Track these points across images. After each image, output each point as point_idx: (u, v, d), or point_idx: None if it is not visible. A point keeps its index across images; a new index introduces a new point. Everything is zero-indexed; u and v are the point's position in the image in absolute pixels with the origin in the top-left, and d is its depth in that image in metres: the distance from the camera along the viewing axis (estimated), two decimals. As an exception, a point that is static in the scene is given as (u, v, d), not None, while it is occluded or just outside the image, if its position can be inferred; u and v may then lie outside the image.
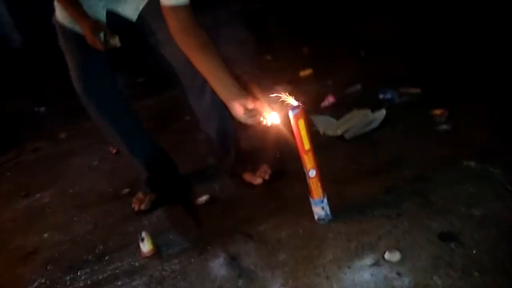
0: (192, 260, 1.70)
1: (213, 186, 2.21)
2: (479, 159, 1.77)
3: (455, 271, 1.29)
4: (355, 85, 3.02)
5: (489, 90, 2.34)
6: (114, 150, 2.99)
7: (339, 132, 2.37)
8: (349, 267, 1.42)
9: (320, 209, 1.65)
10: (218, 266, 1.62)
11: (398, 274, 1.34)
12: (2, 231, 2.52)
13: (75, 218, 2.37)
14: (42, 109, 5.06)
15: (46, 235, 2.30)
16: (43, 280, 1.89)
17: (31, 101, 5.49)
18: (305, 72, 3.70)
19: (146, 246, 1.80)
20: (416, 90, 2.64)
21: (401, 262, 1.38)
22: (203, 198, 2.10)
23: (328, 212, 1.66)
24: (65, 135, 3.86)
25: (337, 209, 1.69)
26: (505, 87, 2.30)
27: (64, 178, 2.97)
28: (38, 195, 2.84)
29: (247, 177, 2.03)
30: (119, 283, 1.71)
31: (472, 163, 1.76)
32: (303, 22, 4.83)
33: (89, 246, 2.05)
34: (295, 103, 1.50)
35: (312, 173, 1.59)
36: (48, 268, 1.98)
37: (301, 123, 1.54)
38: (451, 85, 2.57)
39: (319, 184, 1.61)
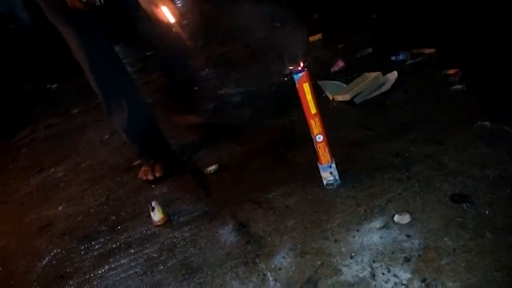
0: (202, 227, 1.71)
1: (222, 155, 2.20)
2: (494, 119, 1.70)
3: (467, 232, 1.26)
4: (366, 49, 2.93)
5: (504, 49, 2.22)
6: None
7: (348, 97, 2.31)
8: (357, 230, 1.40)
9: (328, 174, 1.62)
10: (227, 233, 1.63)
11: (408, 236, 1.32)
12: (19, 205, 2.59)
13: (88, 191, 2.41)
14: (54, 86, 5.11)
15: (60, 207, 2.34)
16: (59, 250, 1.94)
17: (43, 79, 5.55)
18: (314, 37, 3.59)
19: (157, 215, 1.82)
20: (430, 50, 2.54)
21: (410, 224, 1.35)
22: (212, 168, 2.09)
23: (337, 177, 1.63)
24: (77, 111, 3.90)
25: (346, 173, 1.67)
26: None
27: (77, 152, 3.02)
28: (52, 169, 2.89)
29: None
30: (132, 251, 1.74)
31: (487, 123, 1.69)
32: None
33: (102, 217, 2.08)
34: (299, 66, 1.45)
35: (320, 138, 1.55)
36: (63, 239, 2.02)
37: (306, 86, 1.49)
38: (466, 45, 2.46)
39: (326, 149, 1.58)
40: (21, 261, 1.96)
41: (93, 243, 1.90)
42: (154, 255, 1.66)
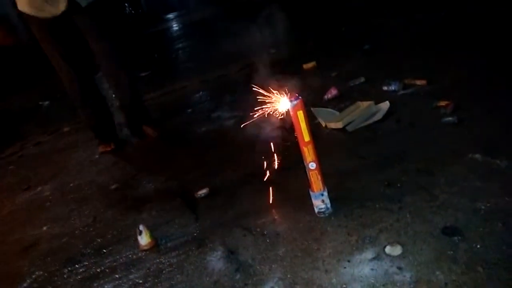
0: (190, 253, 1.67)
1: (213, 179, 2.18)
2: (485, 152, 1.71)
3: (459, 266, 1.25)
4: (359, 78, 2.97)
5: (495, 83, 2.28)
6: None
7: (341, 125, 2.32)
8: (348, 261, 1.38)
9: (320, 202, 1.61)
10: (216, 260, 1.59)
11: (399, 268, 1.30)
12: (3, 224, 2.52)
13: (75, 211, 2.36)
14: (46, 103, 5.08)
15: (45, 228, 2.29)
16: (41, 273, 1.88)
17: (36, 95, 5.52)
18: (308, 65, 3.65)
19: (144, 239, 1.78)
20: (421, 82, 2.58)
21: (402, 256, 1.34)
22: (203, 191, 2.07)
23: (329, 205, 1.62)
24: (68, 129, 3.86)
25: (338, 202, 1.66)
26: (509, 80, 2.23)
27: (65, 171, 2.97)
28: (39, 188, 2.83)
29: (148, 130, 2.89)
30: (117, 276, 1.68)
31: (478, 156, 1.70)
32: (309, 15, 4.75)
33: (88, 239, 2.03)
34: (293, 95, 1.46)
35: (312, 165, 1.55)
36: (46, 260, 1.96)
37: (300, 114, 1.50)
38: (456, 77, 2.51)
39: (319, 177, 1.57)
40: (1, 283, 1.88)
41: (77, 266, 1.84)
42: (140, 281, 1.61)
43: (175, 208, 2.04)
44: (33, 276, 1.87)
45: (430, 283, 1.20)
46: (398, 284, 1.23)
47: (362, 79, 2.92)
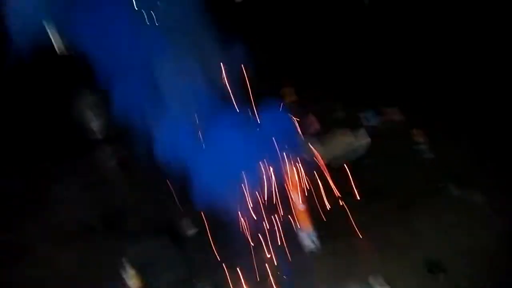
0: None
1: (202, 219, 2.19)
2: (460, 187, 1.81)
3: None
4: (338, 110, 3.06)
5: (469, 117, 2.42)
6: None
7: (325, 161, 2.39)
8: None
9: (309, 241, 1.66)
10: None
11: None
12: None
13: (59, 253, 2.29)
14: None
15: (31, 271, 2.21)
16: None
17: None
18: (290, 97, 3.72)
19: (132, 282, 1.77)
20: (396, 111, 2.70)
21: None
22: (192, 231, 2.08)
23: (317, 243, 1.67)
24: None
25: (325, 240, 1.71)
26: (483, 114, 2.38)
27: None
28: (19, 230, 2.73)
29: None
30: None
31: (453, 191, 1.80)
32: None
33: (76, 279, 1.99)
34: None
35: (302, 206, 1.61)
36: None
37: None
38: (429, 106, 2.63)
39: (307, 217, 1.63)
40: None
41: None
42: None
43: (164, 247, 2.03)
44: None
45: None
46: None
47: (342, 114, 3.01)
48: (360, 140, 2.45)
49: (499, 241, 1.47)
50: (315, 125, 2.90)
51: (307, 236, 1.64)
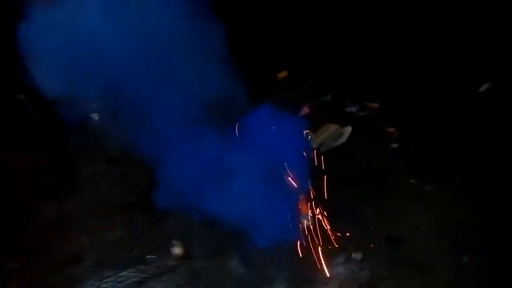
0: (216, 259, 2.32)
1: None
2: (418, 177, 2.47)
3: (399, 264, 2.01)
4: (326, 96, 3.61)
5: (438, 113, 3.01)
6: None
7: (314, 146, 2.99)
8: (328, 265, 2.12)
9: (306, 220, 2.32)
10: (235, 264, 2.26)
11: (361, 268, 2.05)
12: (41, 237, 2.99)
13: (103, 226, 2.86)
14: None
15: (84, 239, 2.81)
16: (95, 281, 2.44)
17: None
18: (282, 74, 4.22)
19: (177, 250, 2.41)
20: (375, 105, 3.29)
21: (362, 260, 2.09)
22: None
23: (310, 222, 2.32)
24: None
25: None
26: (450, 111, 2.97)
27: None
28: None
29: None
30: (163, 279, 2.31)
31: (413, 181, 2.46)
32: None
33: (126, 249, 2.60)
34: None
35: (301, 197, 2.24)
36: (96, 269, 2.53)
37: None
38: (405, 102, 3.21)
39: (306, 205, 2.27)
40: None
41: (124, 273, 2.43)
42: (182, 283, 2.26)
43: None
44: (88, 283, 2.44)
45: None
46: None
47: (329, 97, 3.57)
48: (343, 128, 3.03)
49: (438, 224, 2.15)
50: (307, 109, 3.46)
51: (304, 217, 2.27)
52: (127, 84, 2.55)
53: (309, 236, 2.26)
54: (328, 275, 2.04)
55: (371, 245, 2.13)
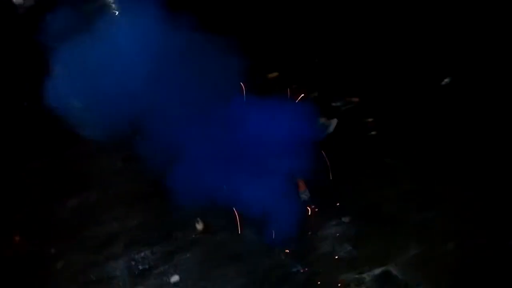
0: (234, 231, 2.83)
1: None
2: (391, 157, 3.03)
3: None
4: (314, 92, 4.14)
5: (408, 105, 3.58)
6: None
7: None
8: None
9: (305, 196, 2.85)
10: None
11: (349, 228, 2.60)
12: (72, 225, 3.44)
13: (128, 212, 3.34)
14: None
15: (114, 224, 3.28)
16: (130, 255, 2.92)
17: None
18: (273, 75, 4.73)
19: (200, 226, 2.91)
20: (356, 99, 3.85)
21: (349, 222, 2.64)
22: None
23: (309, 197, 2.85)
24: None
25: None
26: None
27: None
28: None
29: None
30: (188, 251, 2.81)
31: (388, 159, 3.02)
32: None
33: (154, 229, 3.09)
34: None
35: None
36: (132, 247, 3.00)
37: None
38: (382, 97, 3.77)
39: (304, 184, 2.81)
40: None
41: (157, 246, 2.92)
42: (207, 255, 2.76)
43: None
44: (125, 258, 2.92)
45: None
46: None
47: (316, 94, 4.10)
48: (331, 120, 3.57)
49: (406, 196, 2.71)
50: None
51: (304, 193, 2.80)
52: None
53: (308, 207, 2.81)
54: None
55: (355, 211, 2.67)
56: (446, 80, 3.67)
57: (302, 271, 2.48)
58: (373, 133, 3.36)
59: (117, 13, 3.66)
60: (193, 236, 2.92)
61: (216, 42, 3.11)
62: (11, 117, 4.31)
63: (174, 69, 3.03)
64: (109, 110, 3.05)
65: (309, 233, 2.64)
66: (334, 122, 3.60)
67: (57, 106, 3.19)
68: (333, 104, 3.86)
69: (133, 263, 2.88)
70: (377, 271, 2.38)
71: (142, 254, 2.92)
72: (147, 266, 2.80)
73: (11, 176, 4.01)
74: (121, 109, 3.02)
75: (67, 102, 3.25)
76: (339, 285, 2.35)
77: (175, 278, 2.61)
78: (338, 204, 2.80)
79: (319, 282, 2.39)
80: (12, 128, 4.25)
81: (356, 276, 2.35)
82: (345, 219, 2.69)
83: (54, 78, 3.30)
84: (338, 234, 2.62)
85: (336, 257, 2.53)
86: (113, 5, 3.63)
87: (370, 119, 3.49)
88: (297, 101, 3.23)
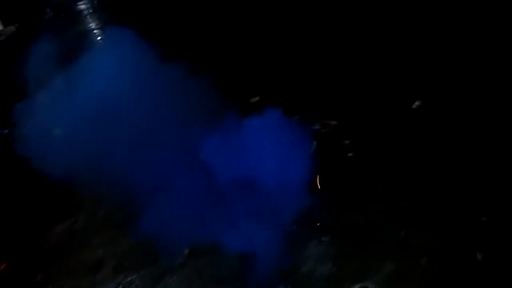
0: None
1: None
2: (368, 177, 3.21)
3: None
4: (294, 116, 4.34)
5: (383, 127, 3.79)
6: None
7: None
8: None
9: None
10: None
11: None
12: (58, 249, 3.50)
13: (118, 235, 3.43)
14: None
15: (100, 250, 3.36)
16: (118, 280, 3.00)
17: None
18: (255, 99, 4.93)
19: (186, 250, 3.01)
20: (334, 122, 4.04)
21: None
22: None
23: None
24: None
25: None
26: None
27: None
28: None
29: None
30: (175, 277, 2.91)
31: (364, 180, 3.20)
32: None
33: (141, 254, 3.17)
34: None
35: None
36: (117, 271, 3.08)
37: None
38: (358, 120, 3.98)
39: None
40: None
41: (142, 273, 3.01)
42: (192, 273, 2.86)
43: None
44: (115, 282, 3.00)
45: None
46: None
47: (296, 117, 4.28)
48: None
49: (381, 215, 2.88)
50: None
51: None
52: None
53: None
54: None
55: (334, 231, 2.82)
56: (417, 103, 3.90)
57: (286, 292, 2.60)
58: (350, 154, 3.54)
59: (98, 39, 3.80)
60: (180, 260, 3.00)
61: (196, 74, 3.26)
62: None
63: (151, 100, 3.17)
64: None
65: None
66: (313, 145, 3.78)
67: (37, 134, 3.31)
68: (312, 127, 4.04)
69: (120, 287, 2.94)
70: (356, 287, 2.51)
71: (129, 278, 2.99)
72: (134, 290, 2.87)
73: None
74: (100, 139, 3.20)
75: (47, 130, 3.37)
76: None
77: (163, 302, 2.69)
78: (318, 224, 2.93)
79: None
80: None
81: (337, 293, 2.48)
82: (325, 239, 2.82)
83: (34, 105, 3.41)
84: (319, 253, 2.74)
85: (317, 275, 2.66)
86: (94, 32, 3.78)
87: (347, 141, 3.67)
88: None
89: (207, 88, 3.40)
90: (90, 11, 8.36)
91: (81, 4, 8.77)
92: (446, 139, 3.54)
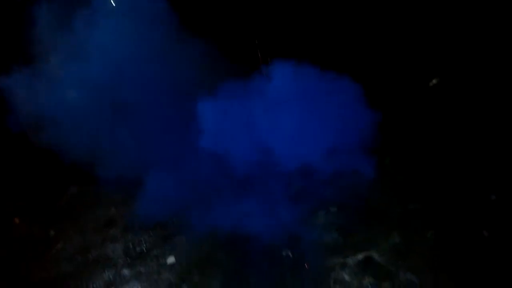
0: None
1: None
2: (378, 152, 3.21)
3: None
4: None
5: (398, 104, 3.75)
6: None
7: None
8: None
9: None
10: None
11: (337, 218, 2.77)
12: (70, 208, 3.58)
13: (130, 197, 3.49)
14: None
15: (111, 210, 3.43)
16: (129, 237, 3.08)
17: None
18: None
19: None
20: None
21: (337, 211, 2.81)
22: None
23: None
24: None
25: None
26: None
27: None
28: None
29: None
30: (184, 237, 2.97)
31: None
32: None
33: (152, 215, 3.23)
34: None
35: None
36: (129, 230, 3.15)
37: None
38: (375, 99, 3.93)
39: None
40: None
41: (151, 233, 3.07)
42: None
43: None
44: (123, 240, 3.07)
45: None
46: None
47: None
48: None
49: (389, 190, 2.88)
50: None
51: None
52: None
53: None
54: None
55: (342, 202, 2.83)
56: (434, 81, 3.84)
57: (291, 255, 2.64)
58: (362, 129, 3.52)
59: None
60: (188, 222, 3.05)
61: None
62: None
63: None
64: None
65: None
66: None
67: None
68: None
69: (130, 244, 3.01)
70: (360, 256, 2.54)
71: (139, 237, 3.06)
72: (144, 249, 2.94)
73: (13, 166, 4.11)
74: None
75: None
76: (324, 268, 2.51)
77: (171, 260, 2.75)
78: (326, 194, 2.96)
79: (306, 265, 2.56)
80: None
81: (341, 260, 2.51)
82: (333, 209, 2.85)
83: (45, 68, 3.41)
84: (325, 223, 2.78)
85: (323, 243, 2.70)
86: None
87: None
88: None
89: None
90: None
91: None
92: (460, 117, 3.49)
